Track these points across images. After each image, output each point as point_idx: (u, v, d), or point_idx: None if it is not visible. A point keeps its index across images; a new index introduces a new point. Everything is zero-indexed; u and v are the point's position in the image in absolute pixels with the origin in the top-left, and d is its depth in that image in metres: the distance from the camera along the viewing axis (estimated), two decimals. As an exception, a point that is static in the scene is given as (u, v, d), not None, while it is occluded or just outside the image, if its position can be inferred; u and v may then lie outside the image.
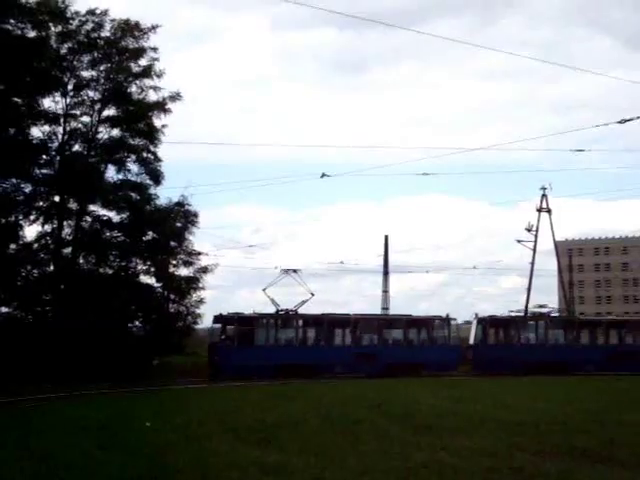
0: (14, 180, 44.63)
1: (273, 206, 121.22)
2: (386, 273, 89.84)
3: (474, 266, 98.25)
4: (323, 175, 42.17)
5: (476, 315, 53.70)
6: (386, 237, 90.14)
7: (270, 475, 14.22)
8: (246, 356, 45.05)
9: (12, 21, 43.14)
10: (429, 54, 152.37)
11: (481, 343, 52.42)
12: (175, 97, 48.18)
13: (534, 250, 64.42)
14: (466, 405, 27.13)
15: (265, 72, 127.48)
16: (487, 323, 53.58)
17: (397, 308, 75.34)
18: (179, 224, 49.36)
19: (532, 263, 64.00)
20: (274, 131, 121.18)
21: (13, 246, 45.22)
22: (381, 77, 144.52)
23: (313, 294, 48.26)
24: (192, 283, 50.38)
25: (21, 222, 45.65)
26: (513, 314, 55.40)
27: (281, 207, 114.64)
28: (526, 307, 60.70)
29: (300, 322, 48.77)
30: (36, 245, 46.73)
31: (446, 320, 51.71)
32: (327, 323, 48.46)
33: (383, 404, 27.15)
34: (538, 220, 64.79)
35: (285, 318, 48.21)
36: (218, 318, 46.82)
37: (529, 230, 64.96)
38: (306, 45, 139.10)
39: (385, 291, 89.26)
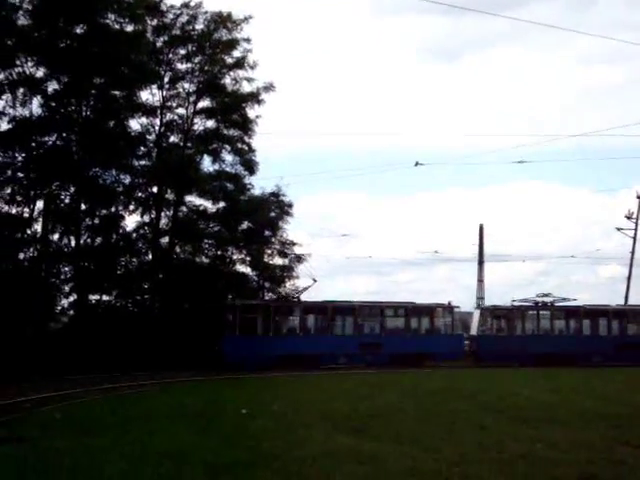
0: (114, 172, 45.77)
1: (367, 195, 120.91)
2: (481, 262, 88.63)
3: (572, 255, 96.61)
4: (417, 163, 42.02)
5: (478, 305, 52.03)
6: (481, 226, 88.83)
7: (365, 464, 14.23)
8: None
9: (111, 16, 44.24)
10: (525, 40, 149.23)
11: (483, 334, 50.45)
12: (269, 87, 48.66)
13: (634, 238, 62.67)
14: (563, 396, 26.63)
15: (361, 59, 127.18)
16: (489, 313, 51.84)
17: (493, 298, 74.25)
18: (273, 214, 49.72)
19: (632, 252, 62.26)
20: (368, 119, 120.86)
21: (114, 236, 46.43)
22: (476, 64, 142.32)
23: (316, 280, 47.90)
24: (287, 272, 50.67)
25: (121, 212, 46.94)
26: (517, 303, 52.00)
27: (374, 196, 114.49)
28: (626, 296, 58.76)
29: (300, 310, 47.13)
30: (135, 235, 47.95)
31: (449, 308, 49.42)
32: (331, 310, 46.56)
33: (479, 394, 26.89)
34: (639, 208, 63.02)
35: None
36: None
37: (629, 218, 63.25)
38: (402, 32, 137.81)
39: (480, 280, 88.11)
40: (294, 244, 50.47)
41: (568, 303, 51.37)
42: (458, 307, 50.51)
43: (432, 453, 15.18)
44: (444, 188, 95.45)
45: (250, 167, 49.56)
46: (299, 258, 50.38)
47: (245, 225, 49.80)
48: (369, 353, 45.45)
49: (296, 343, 44.22)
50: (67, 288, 44.53)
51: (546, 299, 51.27)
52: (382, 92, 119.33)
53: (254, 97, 48.68)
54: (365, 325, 47.89)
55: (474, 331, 51.47)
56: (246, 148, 49.81)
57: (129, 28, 44.85)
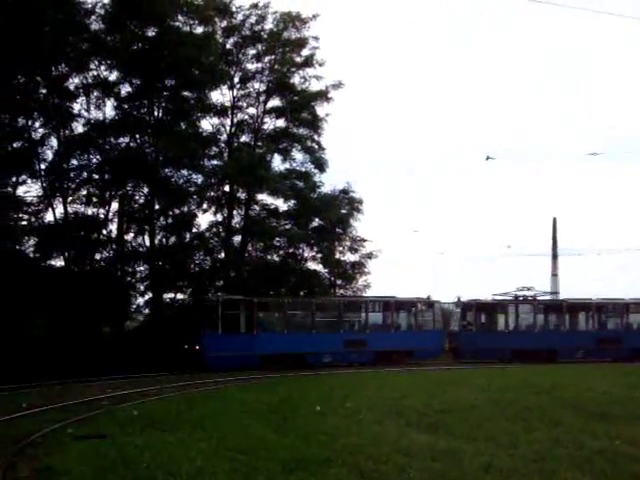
0: (186, 172, 46.41)
1: (437, 190, 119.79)
2: (555, 256, 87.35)
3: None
4: (488, 158, 41.66)
5: (458, 299, 49.53)
6: (554, 219, 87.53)
7: (439, 461, 14.20)
8: None
9: (181, 18, 44.86)
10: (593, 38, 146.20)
11: (464, 329, 47.89)
12: (337, 85, 48.87)
13: None
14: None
15: (429, 54, 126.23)
16: (470, 308, 48.32)
17: (568, 292, 72.87)
18: (344, 211, 49.87)
19: None
20: (437, 114, 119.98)
21: (187, 235, 47.12)
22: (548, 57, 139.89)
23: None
24: (358, 268, 50.74)
25: (194, 212, 47.56)
26: (498, 297, 49.22)
27: (444, 191, 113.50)
28: None
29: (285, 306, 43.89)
30: (208, 234, 48.54)
31: (429, 302, 47.40)
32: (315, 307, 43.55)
33: (553, 390, 26.56)
34: None
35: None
36: None
37: None
38: (468, 29, 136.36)
39: (554, 275, 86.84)
40: (365, 240, 50.53)
41: (549, 297, 50.23)
42: (438, 301, 48.55)
43: (508, 449, 15.08)
44: (515, 182, 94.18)
45: (320, 165, 49.83)
46: (370, 255, 50.42)
47: (316, 222, 50.13)
48: (354, 351, 43.23)
49: (280, 341, 41.39)
50: (142, 287, 45.38)
51: (527, 293, 48.86)
52: (451, 85, 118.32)
53: (323, 95, 48.91)
54: (349, 321, 45.82)
55: (454, 326, 50.32)
56: (316, 146, 50.15)
57: (199, 30, 45.46)
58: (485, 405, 22.66)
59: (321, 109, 49.49)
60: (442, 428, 18.08)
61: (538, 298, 49.01)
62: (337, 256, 50.95)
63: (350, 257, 50.98)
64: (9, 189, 40.35)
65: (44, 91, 43.55)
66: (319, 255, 50.58)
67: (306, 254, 50.83)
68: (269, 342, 40.92)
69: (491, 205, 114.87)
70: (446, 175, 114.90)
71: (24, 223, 42.09)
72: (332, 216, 48.89)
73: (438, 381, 32.13)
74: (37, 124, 43.86)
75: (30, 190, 43.31)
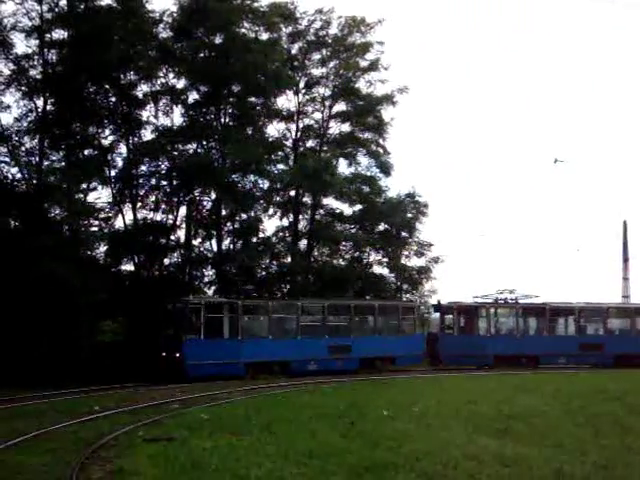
0: (253, 177, 46.77)
1: (503, 194, 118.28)
2: (626, 260, 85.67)
3: None
4: (556, 161, 41.15)
5: (438, 302, 47.07)
6: (624, 222, 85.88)
7: (508, 467, 14.13)
8: None
9: (247, 25, 45.26)
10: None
11: (443, 334, 45.64)
12: (403, 89, 48.80)
13: None
14: None
15: (493, 56, 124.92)
16: (449, 311, 46.10)
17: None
18: (410, 215, 49.75)
19: None
20: (501, 116, 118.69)
21: (254, 240, 47.49)
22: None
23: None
24: (424, 273, 50.52)
25: (260, 217, 47.92)
26: (479, 300, 47.03)
27: (511, 194, 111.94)
28: None
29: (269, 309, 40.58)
30: (274, 238, 48.86)
31: (411, 306, 45.87)
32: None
33: (625, 396, 26.11)
34: None
35: None
36: None
37: None
38: (526, 31, 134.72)
39: (625, 278, 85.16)
40: (431, 245, 50.32)
41: (531, 300, 46.96)
42: (418, 305, 47.31)
43: (578, 456, 14.92)
44: (584, 184, 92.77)
45: (385, 169, 49.78)
46: (436, 259, 50.19)
47: (381, 227, 50.09)
48: (340, 358, 40.40)
49: (266, 347, 38.28)
50: (210, 292, 45.81)
51: (508, 295, 46.78)
52: (517, 88, 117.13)
53: (388, 99, 48.88)
54: (334, 326, 42.41)
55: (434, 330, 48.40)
56: (381, 150, 50.14)
57: (264, 36, 45.75)
58: (554, 411, 22.44)
59: (386, 113, 49.54)
60: (511, 434, 17.97)
61: (520, 301, 46.68)
62: (403, 260, 50.84)
63: (416, 262, 50.81)
64: (81, 196, 41.13)
65: (113, 99, 44.35)
66: (385, 259, 50.59)
67: (372, 258, 50.89)
68: (255, 348, 37.78)
69: (559, 208, 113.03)
70: (513, 178, 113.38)
71: (95, 229, 42.90)
72: (398, 220, 48.85)
73: (505, 386, 31.83)
74: (107, 132, 44.74)
75: (101, 197, 44.18)
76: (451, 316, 46.20)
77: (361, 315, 43.72)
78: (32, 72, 40.50)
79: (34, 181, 38.81)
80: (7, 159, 39.84)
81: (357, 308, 42.72)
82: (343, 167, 50.21)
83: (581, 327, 47.01)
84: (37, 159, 40.21)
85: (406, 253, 50.81)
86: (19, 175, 39.68)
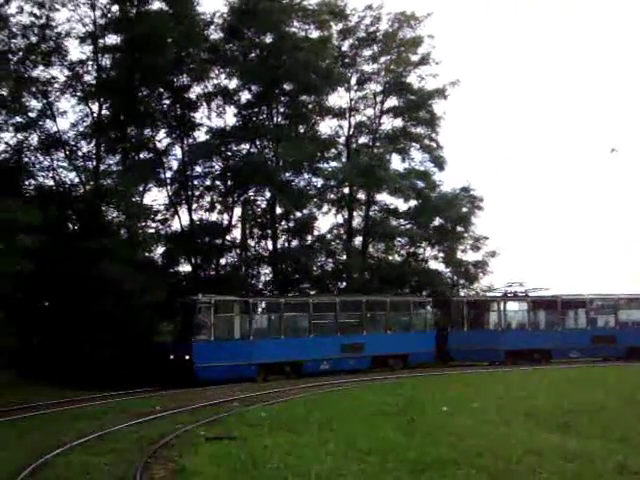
0: (306, 175, 46.91)
1: (558, 186, 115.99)
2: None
3: None
4: (612, 150, 40.40)
5: (447, 297, 46.15)
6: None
7: (571, 461, 13.97)
8: None
9: (297, 24, 45.39)
10: None
11: (452, 329, 43.79)
12: (454, 82, 48.50)
13: None
14: None
15: (544, 46, 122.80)
16: (459, 305, 44.61)
17: None
18: (465, 209, 49.43)
19: None
20: (557, 106, 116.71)
21: (309, 238, 47.66)
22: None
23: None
24: (480, 267, 50.13)
25: (315, 214, 48.07)
26: (489, 294, 46.56)
27: (565, 187, 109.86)
28: None
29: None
30: (329, 236, 48.96)
31: (422, 302, 44.21)
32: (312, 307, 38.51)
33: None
34: None
35: None
36: None
37: None
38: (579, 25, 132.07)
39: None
40: (486, 238, 49.92)
41: (540, 293, 45.27)
42: (430, 301, 44.50)
43: (642, 451, 14.69)
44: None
45: (439, 163, 49.55)
46: (493, 253, 49.78)
47: (437, 221, 49.83)
48: (352, 357, 38.71)
49: (279, 348, 36.39)
50: (267, 291, 46.02)
51: (518, 289, 45.17)
52: (570, 78, 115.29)
53: (440, 93, 48.60)
54: (346, 324, 40.13)
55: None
56: (434, 145, 49.90)
57: (315, 34, 45.83)
58: (616, 405, 22.09)
59: (438, 107, 49.29)
60: (573, 428, 17.77)
61: (530, 294, 45.08)
62: (459, 255, 50.53)
63: (472, 256, 50.45)
64: (137, 198, 41.64)
65: (167, 102, 44.88)
66: (441, 254, 50.37)
67: (427, 254, 50.72)
68: (267, 349, 35.88)
69: (615, 199, 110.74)
70: (567, 169, 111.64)
71: (152, 231, 43.41)
72: (453, 215, 48.58)
73: (564, 380, 31.46)
74: (161, 134, 45.34)
75: (157, 199, 44.72)
76: (458, 311, 44.36)
77: (373, 311, 41.54)
78: (87, 77, 41.19)
79: (91, 185, 39.37)
80: (65, 164, 40.58)
81: (369, 304, 40.67)
82: (396, 162, 50.27)
83: (593, 319, 45.82)
84: (94, 163, 40.85)
85: (462, 248, 50.53)
86: (77, 179, 40.41)
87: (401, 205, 49.64)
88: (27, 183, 39.76)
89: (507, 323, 44.42)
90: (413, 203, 49.07)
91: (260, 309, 38.18)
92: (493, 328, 44.33)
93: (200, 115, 45.70)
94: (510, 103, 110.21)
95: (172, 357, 34.07)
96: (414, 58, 48.82)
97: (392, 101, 49.82)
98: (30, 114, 38.86)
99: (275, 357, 36.04)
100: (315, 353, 37.35)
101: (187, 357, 33.18)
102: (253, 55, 45.35)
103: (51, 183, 40.39)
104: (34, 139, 39.88)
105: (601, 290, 47.13)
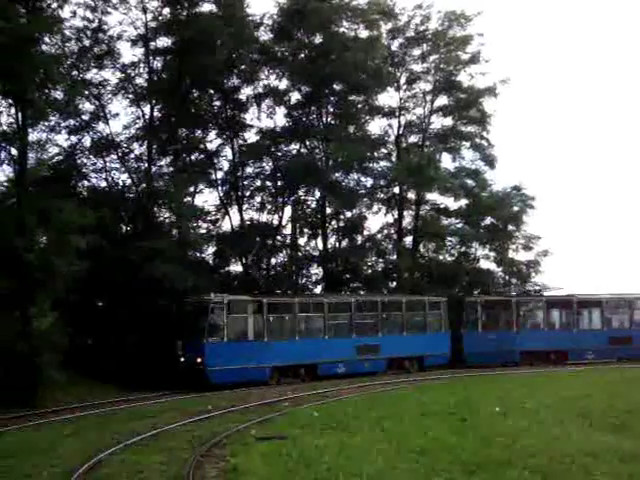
0: (356, 175, 46.87)
1: (611, 182, 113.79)
2: None
3: None
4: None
5: (460, 297, 44.84)
6: None
7: (627, 462, 13.80)
8: None
9: (346, 23, 45.41)
10: None
11: (466, 331, 42.64)
12: (504, 80, 48.12)
13: None
14: None
15: (602, 40, 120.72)
16: (476, 305, 43.48)
17: None
18: (516, 208, 49.05)
19: None
20: (606, 103, 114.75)
21: (359, 237, 47.67)
22: None
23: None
24: (533, 267, 49.63)
25: (365, 214, 48.05)
26: (506, 294, 45.27)
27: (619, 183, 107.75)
28: None
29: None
30: (379, 235, 48.91)
31: (437, 302, 42.08)
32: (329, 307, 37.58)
33: None
34: None
35: None
36: None
37: None
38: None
39: None
40: (539, 238, 49.42)
41: (556, 292, 44.61)
42: (445, 300, 42.39)
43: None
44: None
45: (490, 162, 49.21)
46: (545, 252, 49.25)
47: (488, 220, 49.50)
48: (368, 359, 37.69)
49: (293, 349, 35.06)
50: (318, 290, 46.13)
51: (532, 288, 44.91)
52: (624, 73, 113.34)
53: (491, 91, 48.23)
54: (362, 325, 38.72)
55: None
56: (485, 143, 49.53)
57: (364, 34, 45.81)
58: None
59: (488, 105, 48.94)
60: (628, 429, 17.51)
61: (545, 294, 44.24)
62: (510, 254, 50.11)
63: (524, 256, 49.99)
64: (188, 199, 41.99)
65: (218, 103, 45.24)
66: (492, 254, 50.03)
67: (479, 253, 50.36)
68: (282, 351, 34.54)
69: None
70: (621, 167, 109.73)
71: (203, 231, 43.76)
72: (504, 214, 48.22)
73: (616, 380, 31.03)
74: (212, 135, 45.69)
75: (208, 199, 45.09)
76: (474, 311, 43.48)
77: (388, 312, 40.00)
78: (138, 80, 41.53)
79: (143, 186, 39.80)
80: (117, 165, 41.09)
81: (384, 305, 39.54)
82: (447, 161, 49.96)
83: (609, 320, 44.79)
84: (145, 165, 41.24)
85: (513, 247, 50.09)
86: (129, 181, 40.79)
87: (452, 204, 49.54)
88: (81, 185, 40.37)
89: (522, 324, 43.75)
90: (464, 202, 48.89)
91: (275, 310, 35.83)
92: (508, 329, 42.99)
93: (250, 116, 46.01)
94: (562, 98, 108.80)
95: (182, 360, 32.55)
96: (464, 56, 48.51)
97: (442, 100, 49.62)
98: (83, 117, 39.43)
99: (289, 359, 34.83)
100: (330, 355, 36.24)
101: (199, 359, 31.81)
102: (302, 55, 45.47)
103: (104, 185, 40.86)
104: (87, 141, 40.43)
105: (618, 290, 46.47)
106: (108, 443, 17.40)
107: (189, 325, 33.59)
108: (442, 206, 49.55)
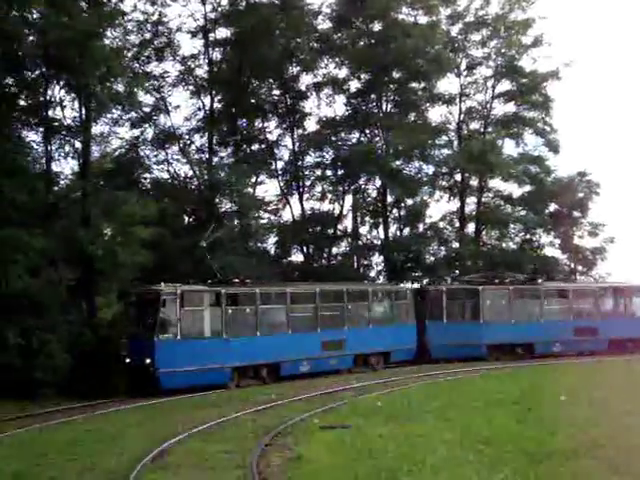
0: (417, 163, 46.58)
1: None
2: None
3: None
4: None
5: (421, 286, 41.54)
6: None
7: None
8: None
9: (405, 10, 45.10)
10: None
11: (431, 322, 37.98)
12: (568, 64, 47.24)
13: None
14: None
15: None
16: (439, 294, 38.93)
17: None
18: (581, 194, 48.27)
19: None
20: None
21: (420, 225, 47.40)
22: None
23: None
24: (599, 254, 48.80)
25: (426, 202, 47.69)
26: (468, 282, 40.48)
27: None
28: None
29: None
30: (441, 223, 48.56)
31: (405, 291, 38.56)
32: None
33: None
34: None
35: None
36: None
37: None
38: None
39: None
40: (604, 225, 48.55)
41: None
42: (409, 289, 39.03)
43: None
44: None
45: (553, 147, 48.39)
46: (612, 239, 48.39)
47: (552, 207, 48.81)
48: (333, 355, 33.08)
49: (254, 347, 30.04)
50: (380, 279, 45.98)
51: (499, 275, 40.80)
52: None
53: (554, 75, 47.40)
54: (326, 317, 33.99)
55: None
56: (548, 128, 48.73)
57: (423, 20, 45.42)
58: None
59: (552, 89, 48.16)
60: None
61: (512, 281, 40.61)
62: (576, 241, 49.34)
63: (590, 242, 49.17)
64: (249, 189, 42.22)
65: (277, 93, 45.45)
66: (557, 241, 49.30)
67: (543, 240, 49.66)
68: (243, 349, 29.59)
69: None
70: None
71: (264, 221, 44.01)
72: (569, 200, 47.47)
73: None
74: (272, 125, 45.93)
75: (268, 189, 45.30)
76: (438, 300, 38.81)
77: (354, 302, 35.20)
78: (198, 71, 41.97)
79: (205, 177, 40.10)
80: (179, 157, 41.50)
81: (350, 294, 34.78)
82: (509, 148, 49.31)
83: (576, 310, 41.50)
84: (207, 156, 41.61)
85: (579, 234, 49.31)
86: (190, 172, 41.17)
87: (515, 191, 48.80)
88: (143, 177, 40.88)
89: (488, 315, 39.27)
90: (527, 189, 48.17)
91: (234, 301, 30.68)
92: (474, 320, 39.03)
93: (310, 105, 46.13)
94: (629, 83, 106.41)
95: (128, 361, 27.73)
96: (526, 40, 47.71)
97: (503, 85, 48.88)
98: (145, 109, 39.87)
99: (251, 358, 30.02)
100: (294, 352, 31.47)
101: (148, 360, 26.84)
102: (362, 43, 45.29)
103: (166, 176, 41.41)
104: (149, 134, 40.96)
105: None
106: (173, 432, 17.57)
107: (136, 320, 29.03)
108: (505, 193, 48.92)
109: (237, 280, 31.02)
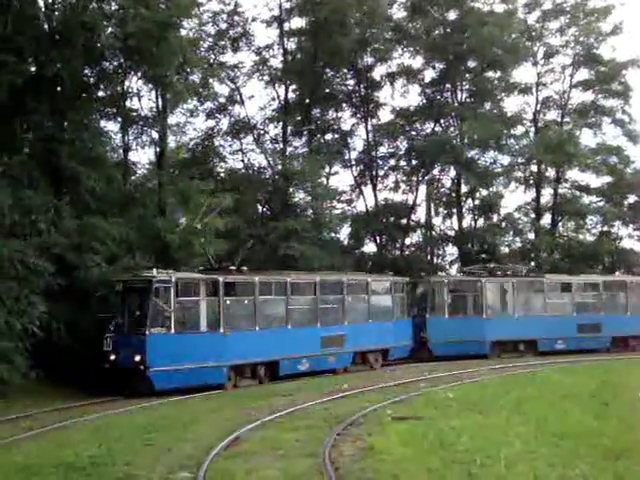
0: (492, 153, 46.09)
1: None
2: None
3: None
4: None
5: (421, 276, 38.34)
6: None
7: None
8: None
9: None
10: None
11: (431, 317, 35.54)
12: (651, 51, 46.15)
13: None
14: None
15: None
16: (438, 287, 36.51)
17: None
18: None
19: None
20: None
21: (495, 216, 46.93)
22: None
23: None
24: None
25: (501, 192, 47.18)
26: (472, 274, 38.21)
27: None
28: None
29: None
30: (516, 214, 47.95)
31: (402, 283, 35.29)
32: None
33: None
34: None
35: None
36: None
37: None
38: None
39: None
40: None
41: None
42: (405, 280, 35.78)
43: None
44: None
45: (633, 137, 47.37)
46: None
47: (631, 199, 47.80)
48: (332, 353, 30.15)
49: (252, 343, 26.75)
50: (453, 270, 45.70)
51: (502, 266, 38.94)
52: None
53: (634, 63, 46.35)
54: (326, 311, 31.03)
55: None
56: (627, 118, 47.71)
57: (499, 8, 44.87)
58: None
59: (631, 78, 47.13)
60: None
61: (517, 273, 38.60)
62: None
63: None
64: (323, 179, 42.33)
65: (351, 83, 45.46)
66: (636, 232, 48.28)
67: (621, 232, 48.68)
68: (240, 345, 26.31)
69: None
70: None
71: (338, 211, 44.06)
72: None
73: None
74: (346, 115, 45.94)
75: (342, 179, 45.38)
76: (439, 293, 36.57)
77: (353, 294, 32.22)
78: (273, 61, 42.20)
79: (279, 167, 40.33)
80: (253, 147, 41.81)
81: (350, 286, 31.78)
82: (587, 138, 48.35)
83: (579, 305, 39.02)
84: (281, 146, 41.83)
85: (659, 226, 48.18)
86: (265, 162, 41.44)
87: (593, 182, 47.92)
88: (218, 167, 41.31)
89: (491, 309, 37.14)
90: (606, 180, 47.26)
91: (232, 291, 27.22)
92: (477, 315, 36.56)
93: (384, 95, 46.28)
94: None
95: (113, 357, 23.93)
96: (605, 28, 46.81)
97: (582, 74, 48.08)
98: (220, 99, 40.26)
99: (249, 356, 26.80)
100: (294, 349, 28.55)
101: (138, 358, 23.47)
102: (437, 32, 45.04)
103: (240, 166, 41.76)
104: (224, 124, 41.36)
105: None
106: (246, 420, 17.70)
107: (122, 312, 25.21)
108: (583, 184, 48.05)
109: (233, 267, 27.90)
